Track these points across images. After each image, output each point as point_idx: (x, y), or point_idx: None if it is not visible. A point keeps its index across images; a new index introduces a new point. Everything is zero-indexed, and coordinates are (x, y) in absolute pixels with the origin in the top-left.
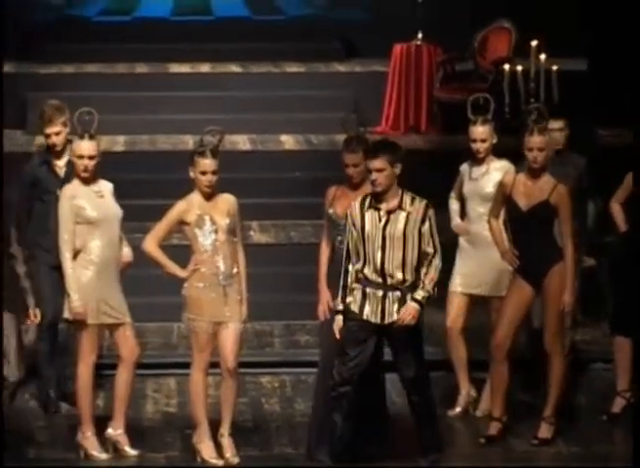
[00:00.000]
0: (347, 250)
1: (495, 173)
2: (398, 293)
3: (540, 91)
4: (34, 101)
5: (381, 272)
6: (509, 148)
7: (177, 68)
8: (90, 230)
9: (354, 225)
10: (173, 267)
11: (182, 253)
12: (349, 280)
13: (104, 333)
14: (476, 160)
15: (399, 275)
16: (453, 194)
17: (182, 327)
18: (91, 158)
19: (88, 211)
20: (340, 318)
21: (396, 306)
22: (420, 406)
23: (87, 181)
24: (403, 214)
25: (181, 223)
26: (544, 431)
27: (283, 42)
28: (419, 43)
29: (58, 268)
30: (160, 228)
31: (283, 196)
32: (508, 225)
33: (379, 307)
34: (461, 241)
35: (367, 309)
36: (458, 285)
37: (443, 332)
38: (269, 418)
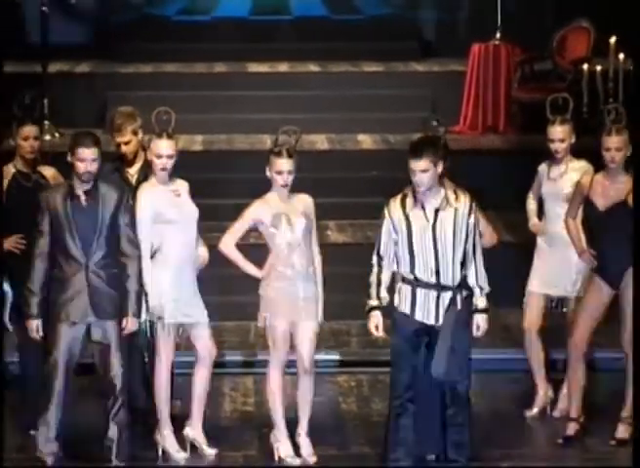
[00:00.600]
0: (379, 248)
1: (573, 173)
2: (450, 293)
3: (618, 90)
4: (114, 101)
5: (436, 271)
6: (588, 148)
7: (255, 68)
8: (167, 229)
9: (395, 226)
10: (249, 266)
11: (259, 252)
12: (382, 276)
13: (182, 333)
14: (554, 160)
15: (452, 273)
16: (531, 194)
17: (259, 326)
18: (169, 157)
19: (165, 210)
20: (376, 314)
21: (447, 306)
22: (455, 407)
23: (164, 181)
24: (451, 211)
25: (258, 222)
26: (622, 431)
27: (361, 41)
28: (497, 42)
29: None
30: (237, 227)
31: (360, 195)
32: (586, 225)
33: (432, 308)
34: (539, 241)
35: (419, 310)
36: (535, 285)
37: (520, 333)
38: (346, 417)
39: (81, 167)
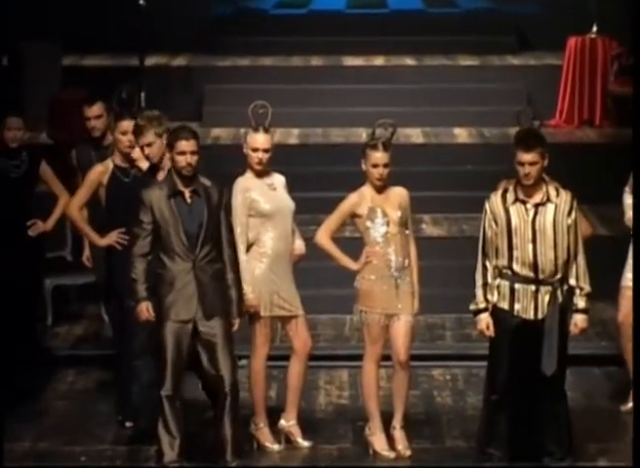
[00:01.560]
0: (484, 245)
1: None
2: (549, 287)
3: None
4: (210, 94)
5: (534, 266)
6: None
7: (351, 61)
8: (263, 223)
9: (495, 220)
10: (345, 260)
11: (354, 245)
12: (489, 277)
13: (277, 326)
14: None
15: (551, 268)
16: (627, 188)
17: (355, 319)
18: (265, 151)
19: (261, 203)
20: (485, 316)
21: (547, 300)
22: (551, 403)
23: (260, 174)
24: (551, 207)
25: (354, 216)
26: None
27: (457, 35)
28: (593, 36)
29: None
30: (332, 221)
31: (455, 189)
32: None
33: (531, 303)
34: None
35: (517, 305)
36: (629, 279)
37: (615, 327)
38: (441, 411)
39: (181, 160)
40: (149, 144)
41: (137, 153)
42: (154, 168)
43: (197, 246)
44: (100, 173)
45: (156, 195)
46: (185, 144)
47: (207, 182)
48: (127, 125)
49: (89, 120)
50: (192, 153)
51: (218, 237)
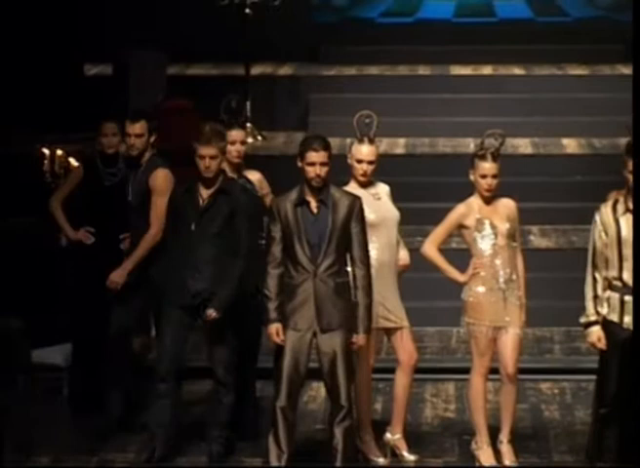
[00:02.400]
0: (594, 257)
1: None
2: None
3: None
4: (316, 104)
5: None
6: None
7: (458, 70)
8: (367, 233)
9: (606, 231)
10: (452, 271)
11: (462, 257)
12: (599, 289)
13: (383, 337)
14: None
15: None
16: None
17: (462, 331)
18: (370, 163)
19: (366, 213)
20: (596, 329)
21: None
22: None
23: (364, 184)
24: None
25: (461, 227)
26: None
27: (566, 44)
28: None
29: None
30: (439, 231)
31: (564, 200)
32: None
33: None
34: None
35: (627, 318)
36: None
37: None
38: (549, 425)
39: (311, 171)
40: (213, 157)
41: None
42: (201, 183)
43: (319, 257)
44: None
45: (284, 204)
46: (315, 156)
47: (338, 193)
48: (236, 135)
49: (129, 136)
50: (322, 165)
51: (344, 250)
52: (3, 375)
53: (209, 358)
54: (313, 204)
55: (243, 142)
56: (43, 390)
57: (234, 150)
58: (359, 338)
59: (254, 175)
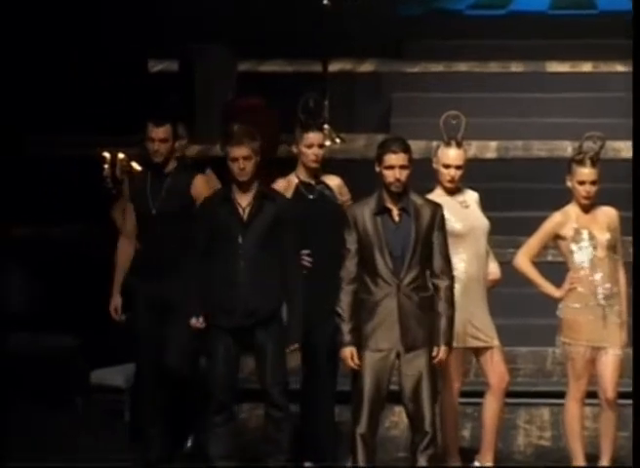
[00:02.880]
0: None
1: None
2: None
3: None
4: (399, 103)
5: None
6: None
7: (555, 67)
8: (454, 244)
9: None
10: (547, 286)
11: (557, 270)
12: None
13: (471, 358)
14: None
15: None
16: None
17: (557, 352)
18: (457, 168)
19: (452, 222)
20: None
21: None
22: None
23: (451, 191)
24: None
25: (557, 238)
26: None
27: None
28: None
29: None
30: (533, 243)
31: None
32: None
33: None
34: None
35: None
36: None
37: None
38: None
39: (389, 175)
40: (246, 158)
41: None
42: (236, 187)
43: (402, 269)
44: (284, 189)
45: (361, 212)
46: (394, 158)
47: (419, 200)
48: (314, 137)
49: (152, 141)
50: (402, 168)
51: (428, 261)
52: (59, 398)
53: (261, 379)
54: (394, 211)
55: (321, 145)
56: (102, 413)
57: (312, 154)
58: (440, 351)
59: (333, 181)
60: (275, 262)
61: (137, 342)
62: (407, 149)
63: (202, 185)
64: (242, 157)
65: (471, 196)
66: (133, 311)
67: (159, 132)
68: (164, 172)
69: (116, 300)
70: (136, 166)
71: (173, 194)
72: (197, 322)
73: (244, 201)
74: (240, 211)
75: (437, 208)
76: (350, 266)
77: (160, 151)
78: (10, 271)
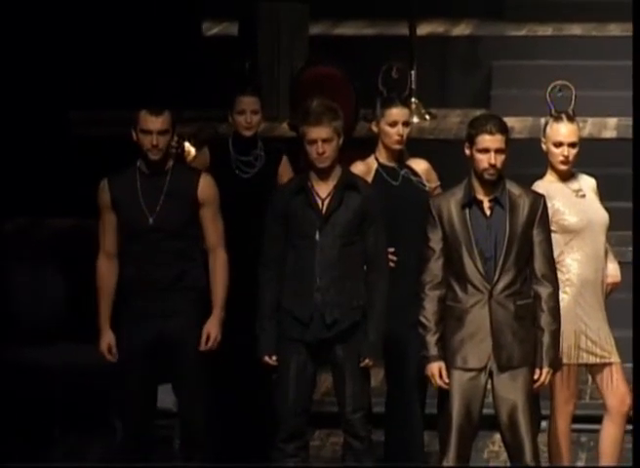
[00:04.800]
0: None
1: None
2: None
3: None
4: (501, 73)
5: None
6: None
7: None
8: (567, 240)
9: None
10: None
11: None
12: None
13: (586, 377)
14: None
15: None
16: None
17: None
18: (571, 146)
19: (566, 215)
20: None
21: None
22: None
23: (565, 177)
24: None
25: None
26: None
27: None
28: None
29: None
30: None
31: None
32: None
33: None
34: None
35: None
36: None
37: None
38: None
39: (483, 160)
40: (326, 140)
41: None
42: (315, 174)
43: (495, 273)
44: (362, 174)
45: (447, 204)
46: (489, 140)
47: (516, 189)
48: (397, 113)
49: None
50: (498, 151)
51: (525, 264)
52: (95, 422)
53: (339, 403)
54: (486, 204)
55: (406, 123)
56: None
57: (395, 133)
58: (542, 374)
59: (419, 165)
60: (359, 264)
61: (126, 391)
62: (504, 129)
63: (213, 184)
64: (322, 139)
65: (588, 183)
66: (123, 351)
67: (158, 121)
68: (161, 171)
69: (108, 337)
70: (188, 147)
71: (174, 199)
72: (271, 359)
73: (323, 191)
74: (319, 202)
75: (539, 198)
76: (435, 269)
77: (160, 146)
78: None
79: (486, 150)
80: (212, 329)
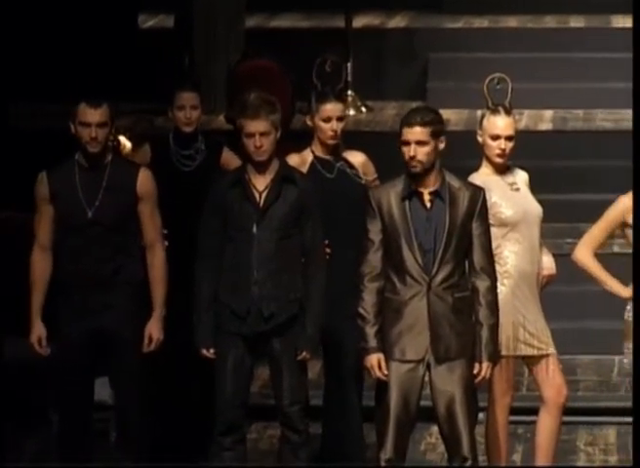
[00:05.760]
0: None
1: None
2: None
3: None
4: (437, 65)
5: None
6: None
7: (622, 22)
8: (503, 233)
9: None
10: (612, 283)
11: (625, 264)
12: None
13: (523, 369)
14: None
15: None
16: None
17: (625, 361)
18: (508, 139)
19: (502, 208)
20: None
21: None
22: None
23: (501, 170)
24: None
25: (625, 226)
26: None
27: None
28: None
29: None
30: (596, 232)
31: None
32: None
33: None
34: None
35: None
36: None
37: None
38: None
39: (404, 153)
40: (264, 134)
41: None
42: (252, 168)
43: (434, 265)
44: (297, 166)
45: (387, 196)
46: (409, 133)
47: (456, 182)
48: (331, 109)
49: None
50: (418, 144)
51: (464, 256)
52: (33, 415)
53: (276, 396)
54: (426, 196)
55: (341, 118)
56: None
57: (329, 129)
58: (482, 368)
59: (356, 158)
60: (296, 257)
61: (64, 384)
62: (427, 122)
63: (151, 179)
64: (259, 132)
65: (521, 177)
66: (59, 343)
67: (96, 114)
68: (100, 164)
69: (38, 329)
70: (124, 141)
71: (113, 193)
72: (208, 352)
73: (261, 184)
74: (256, 196)
75: (478, 191)
76: (374, 260)
77: (99, 139)
78: None
79: (406, 143)
80: (153, 330)
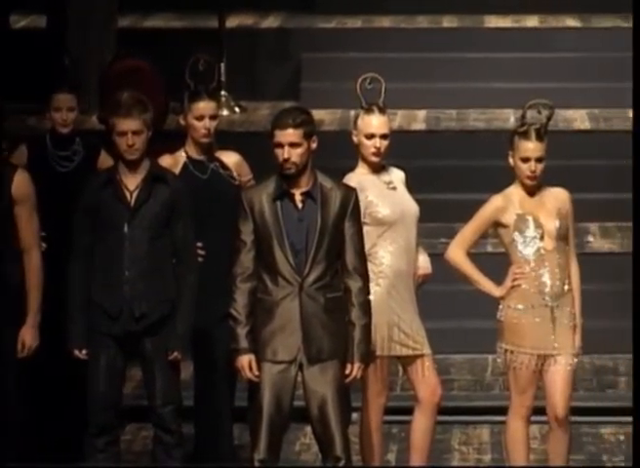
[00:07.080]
0: None
1: None
2: None
3: None
4: (310, 65)
5: None
6: None
7: (494, 22)
8: (379, 232)
9: None
10: (485, 283)
11: (498, 263)
12: None
13: (397, 369)
14: None
15: None
16: None
17: (498, 360)
18: (383, 137)
19: (378, 207)
20: None
21: None
22: None
23: (376, 169)
24: None
25: (497, 225)
26: None
27: None
28: None
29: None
30: (468, 231)
31: (631, 190)
32: None
33: None
34: None
35: None
36: None
37: None
38: None
39: (278, 155)
40: (136, 132)
41: None
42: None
43: (306, 266)
44: (170, 167)
45: (258, 197)
46: (280, 135)
47: (328, 183)
48: (204, 107)
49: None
50: (292, 146)
51: (336, 257)
52: None
53: (149, 397)
54: (297, 197)
55: (214, 117)
56: None
57: (202, 127)
58: (353, 369)
59: (230, 158)
60: (168, 257)
61: None
62: (299, 124)
63: (26, 183)
64: (131, 131)
65: (398, 176)
66: None
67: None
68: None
69: None
70: None
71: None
72: (80, 353)
73: (132, 183)
74: (127, 195)
75: (350, 192)
76: (246, 261)
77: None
78: None
79: (279, 145)
80: (26, 336)
